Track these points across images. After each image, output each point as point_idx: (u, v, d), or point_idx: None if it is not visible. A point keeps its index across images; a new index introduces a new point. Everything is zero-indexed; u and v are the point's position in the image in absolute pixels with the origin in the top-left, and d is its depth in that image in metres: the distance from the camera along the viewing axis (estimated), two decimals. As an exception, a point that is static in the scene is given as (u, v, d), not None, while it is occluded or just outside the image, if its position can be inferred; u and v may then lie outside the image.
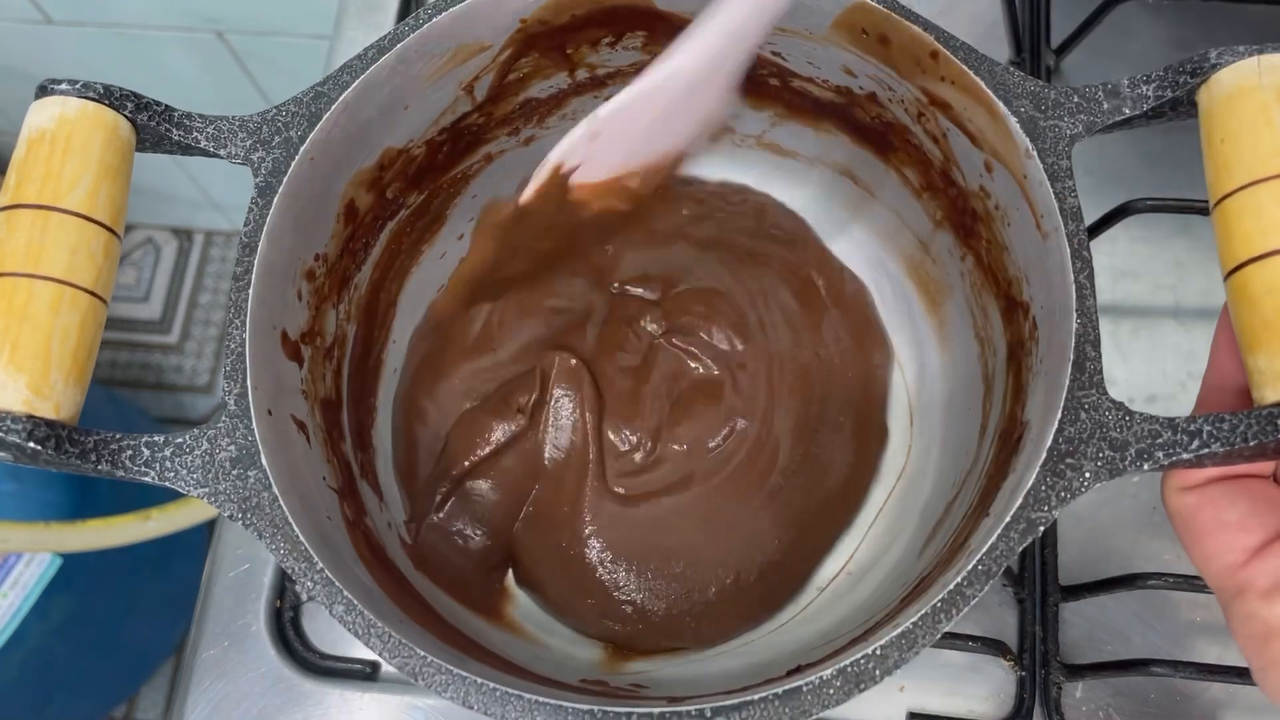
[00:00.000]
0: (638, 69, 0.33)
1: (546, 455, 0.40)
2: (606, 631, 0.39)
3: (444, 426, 0.41)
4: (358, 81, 0.32)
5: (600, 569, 0.39)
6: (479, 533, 0.39)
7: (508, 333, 0.43)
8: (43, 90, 0.29)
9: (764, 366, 0.41)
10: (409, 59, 0.33)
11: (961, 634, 0.38)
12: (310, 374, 0.35)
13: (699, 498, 0.40)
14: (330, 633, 0.42)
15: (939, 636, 0.26)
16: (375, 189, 0.37)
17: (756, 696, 0.26)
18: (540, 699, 0.26)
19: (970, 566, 0.26)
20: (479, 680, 0.26)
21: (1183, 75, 0.28)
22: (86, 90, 0.29)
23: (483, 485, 0.40)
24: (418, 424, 0.41)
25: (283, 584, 0.43)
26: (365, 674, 0.42)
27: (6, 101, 1.02)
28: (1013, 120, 0.30)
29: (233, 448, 0.29)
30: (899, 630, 0.26)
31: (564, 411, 0.40)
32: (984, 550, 0.26)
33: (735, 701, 0.26)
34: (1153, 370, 0.44)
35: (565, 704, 0.26)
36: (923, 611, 0.26)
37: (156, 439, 0.28)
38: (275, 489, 0.28)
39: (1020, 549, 0.26)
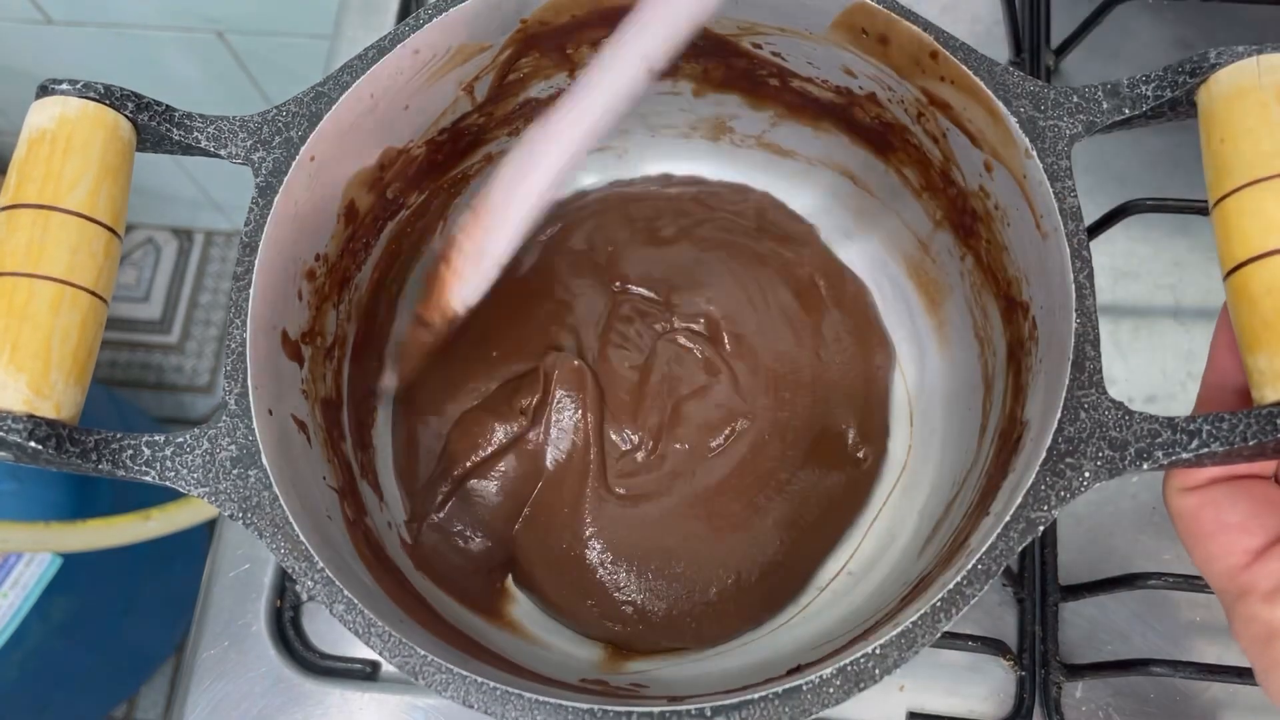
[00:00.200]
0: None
1: (548, 456, 0.40)
2: (607, 632, 0.39)
3: (444, 426, 0.41)
4: (358, 81, 0.32)
5: (601, 570, 0.39)
6: (479, 533, 0.39)
7: (508, 332, 0.42)
8: (43, 90, 0.29)
9: (765, 367, 0.41)
10: (409, 59, 0.33)
11: (961, 633, 0.38)
12: (311, 374, 0.35)
13: (700, 498, 0.40)
14: (330, 633, 0.42)
15: (939, 636, 0.26)
16: (375, 189, 0.37)
17: (756, 695, 0.26)
18: (540, 698, 0.26)
19: (970, 566, 0.26)
20: (479, 679, 0.26)
21: (1182, 75, 0.28)
22: (87, 90, 0.29)
23: (483, 486, 0.40)
24: (418, 424, 0.41)
25: (283, 584, 0.43)
26: (365, 674, 0.42)
27: (7, 101, 1.02)
28: (1012, 120, 0.30)
29: (233, 447, 0.29)
30: (899, 630, 0.26)
31: (566, 413, 0.40)
32: (984, 550, 0.26)
33: (735, 701, 0.26)
34: (1152, 370, 0.44)
35: (565, 703, 0.26)
36: (922, 611, 0.26)
37: (157, 438, 0.28)
38: (276, 488, 0.28)
39: (1020, 548, 0.26)
